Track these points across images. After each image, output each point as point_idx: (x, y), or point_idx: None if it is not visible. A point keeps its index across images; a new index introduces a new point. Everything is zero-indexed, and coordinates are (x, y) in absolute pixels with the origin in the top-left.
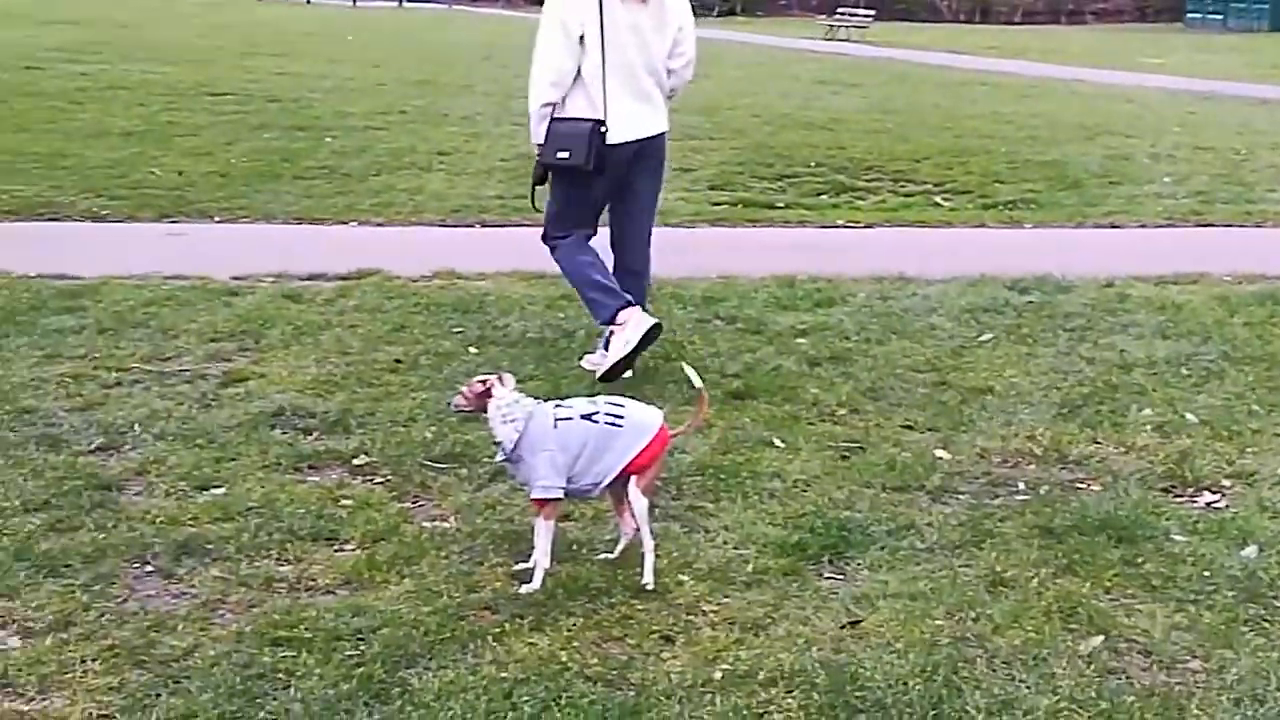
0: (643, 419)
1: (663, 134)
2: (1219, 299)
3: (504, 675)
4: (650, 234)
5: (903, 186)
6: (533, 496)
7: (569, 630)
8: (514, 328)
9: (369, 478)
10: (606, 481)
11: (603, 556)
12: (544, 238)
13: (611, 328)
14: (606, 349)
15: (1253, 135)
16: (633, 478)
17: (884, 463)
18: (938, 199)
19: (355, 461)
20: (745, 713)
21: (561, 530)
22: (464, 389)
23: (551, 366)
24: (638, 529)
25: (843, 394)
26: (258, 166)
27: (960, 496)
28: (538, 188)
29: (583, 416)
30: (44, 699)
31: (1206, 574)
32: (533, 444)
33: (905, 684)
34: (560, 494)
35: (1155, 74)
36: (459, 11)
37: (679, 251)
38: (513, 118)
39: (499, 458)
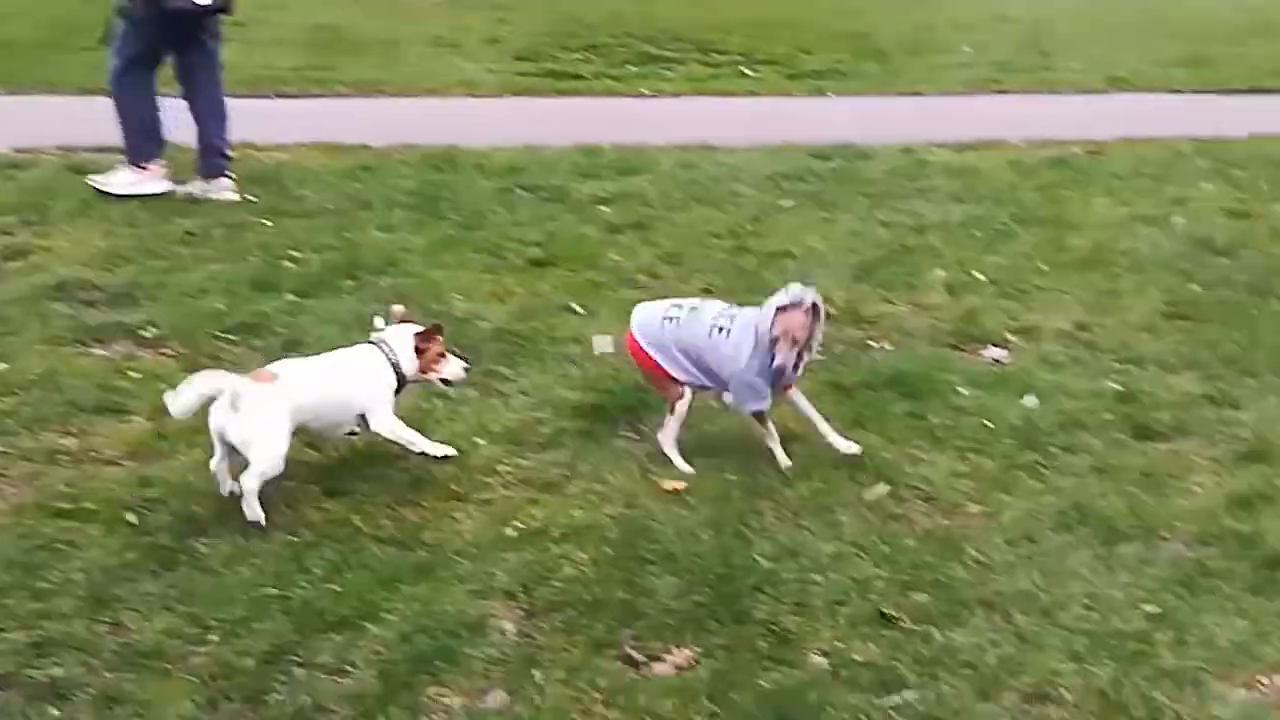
0: None
1: None
2: (1013, 164)
3: (294, 539)
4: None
5: (710, 57)
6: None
7: (362, 495)
8: (310, 199)
9: (157, 349)
10: None
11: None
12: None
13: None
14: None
15: (1052, 5)
16: None
17: None
18: (745, 69)
19: (143, 334)
20: (537, 567)
21: None
22: None
23: (348, 237)
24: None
25: (643, 260)
26: (41, 36)
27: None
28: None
29: None
30: None
31: (988, 424)
32: None
33: (695, 535)
34: None
35: None
36: None
37: (484, 122)
38: None
39: None
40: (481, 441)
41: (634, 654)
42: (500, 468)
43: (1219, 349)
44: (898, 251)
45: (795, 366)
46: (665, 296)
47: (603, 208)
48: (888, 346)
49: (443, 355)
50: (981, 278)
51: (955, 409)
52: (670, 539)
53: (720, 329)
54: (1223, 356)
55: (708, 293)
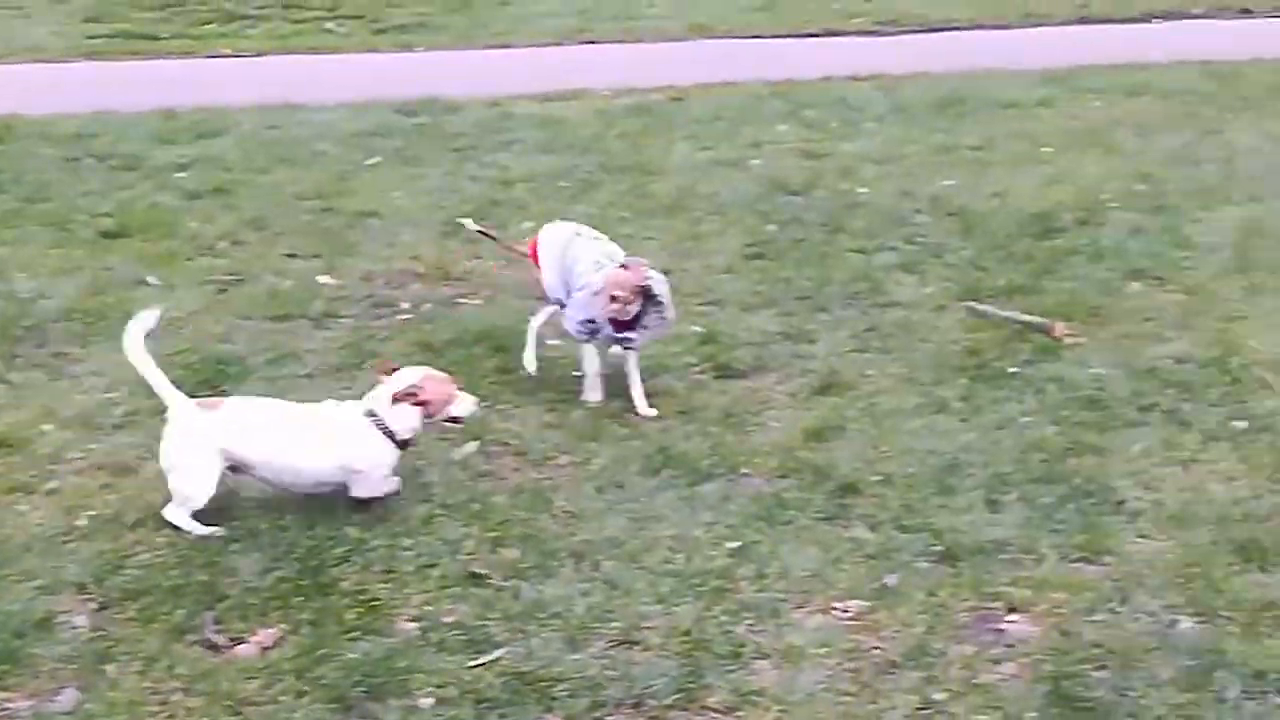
0: None
1: None
2: (598, 113)
3: None
4: None
5: (293, 13)
6: None
7: None
8: None
9: None
10: None
11: None
12: None
13: None
14: None
15: None
16: None
17: (265, 293)
18: (329, 25)
19: None
20: (110, 556)
21: None
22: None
23: None
24: None
25: (224, 226)
26: None
27: (343, 321)
28: None
29: None
30: None
31: (577, 374)
32: None
33: (281, 510)
34: None
35: None
36: None
37: (49, 89)
38: None
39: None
40: (49, 428)
41: (215, 638)
42: (69, 454)
43: (793, 286)
44: (486, 206)
45: (619, 330)
46: (248, 265)
47: (180, 174)
48: (477, 302)
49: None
50: None
51: (545, 361)
52: (254, 515)
53: (601, 266)
54: (797, 293)
55: (293, 257)
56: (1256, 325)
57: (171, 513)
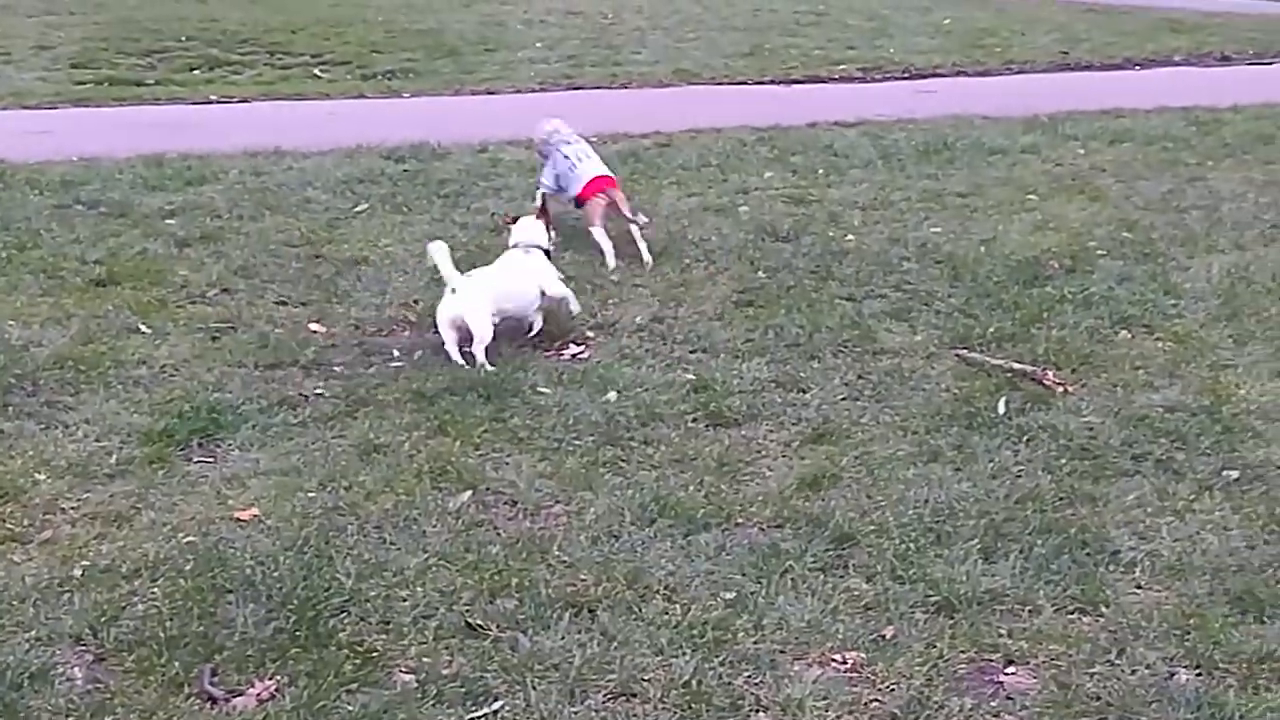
0: None
1: None
2: None
3: None
4: None
5: (279, 59)
6: None
7: None
8: None
9: None
10: None
11: None
12: None
13: None
14: None
15: (619, 1)
16: None
17: (256, 341)
18: (316, 71)
19: None
20: (105, 607)
21: None
22: None
23: None
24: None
25: (214, 274)
26: None
27: (335, 369)
28: None
29: None
30: None
31: (570, 422)
32: None
33: (276, 560)
34: None
35: None
36: None
37: (36, 135)
38: None
39: None
40: (42, 477)
41: (213, 690)
42: (64, 503)
43: (784, 334)
44: (475, 252)
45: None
46: (239, 312)
47: (169, 221)
48: (468, 350)
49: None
50: (559, 276)
51: (537, 409)
52: (249, 566)
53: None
54: (788, 341)
55: (283, 304)
56: (1245, 373)
57: (479, 351)
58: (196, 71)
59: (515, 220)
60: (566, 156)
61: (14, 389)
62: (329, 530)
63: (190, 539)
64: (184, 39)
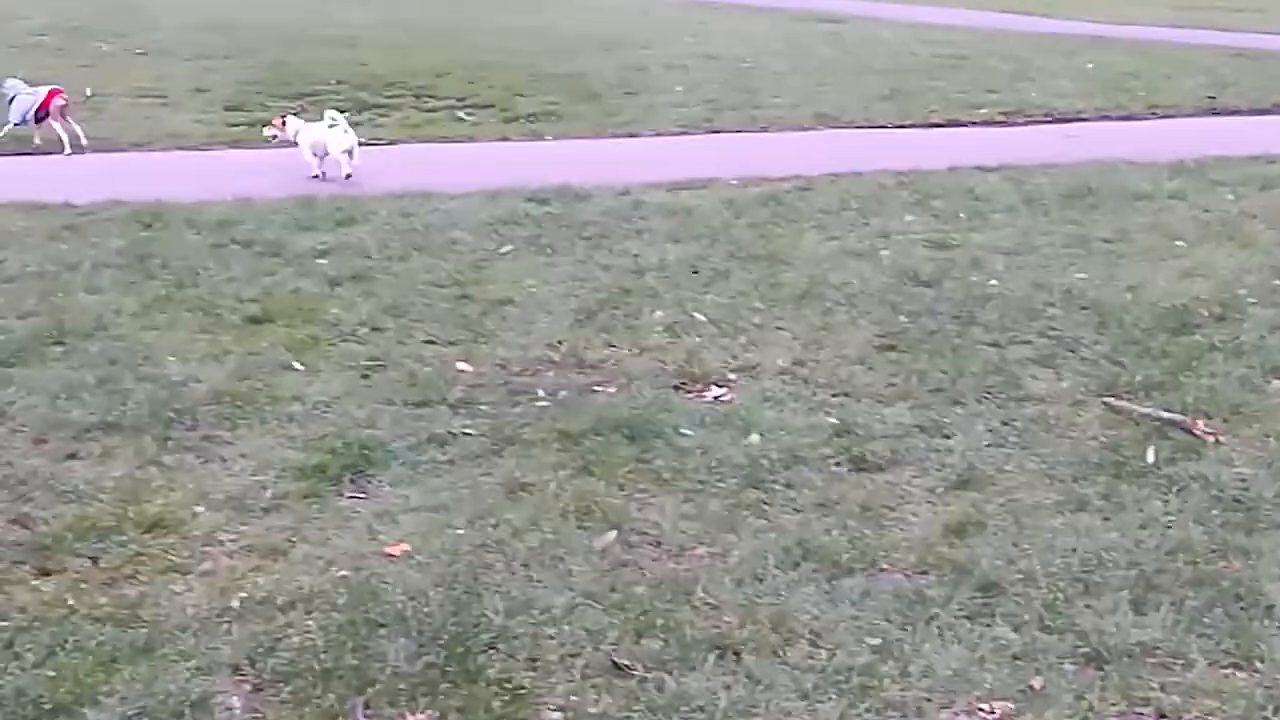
0: None
1: None
2: (726, 202)
3: (3, 624)
4: None
5: (425, 102)
6: None
7: (76, 573)
8: (12, 261)
9: None
10: None
11: None
12: None
13: None
14: None
15: (757, 43)
16: None
17: (405, 379)
18: (461, 114)
19: None
20: (262, 638)
21: (68, 469)
22: None
23: (53, 301)
24: None
25: (364, 313)
26: None
27: (482, 407)
28: None
29: None
30: None
31: (713, 464)
32: None
33: (426, 595)
34: None
35: None
36: None
37: (193, 175)
38: (9, 40)
39: None
40: (201, 509)
41: None
42: (222, 536)
43: (927, 379)
44: (617, 294)
45: None
46: (388, 351)
47: (321, 261)
48: (612, 390)
49: None
50: (701, 317)
51: (680, 450)
52: (400, 600)
53: None
54: (931, 386)
55: (431, 343)
56: None
57: None
58: (346, 114)
59: None
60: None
61: (174, 423)
62: (477, 567)
63: (343, 573)
64: (334, 82)
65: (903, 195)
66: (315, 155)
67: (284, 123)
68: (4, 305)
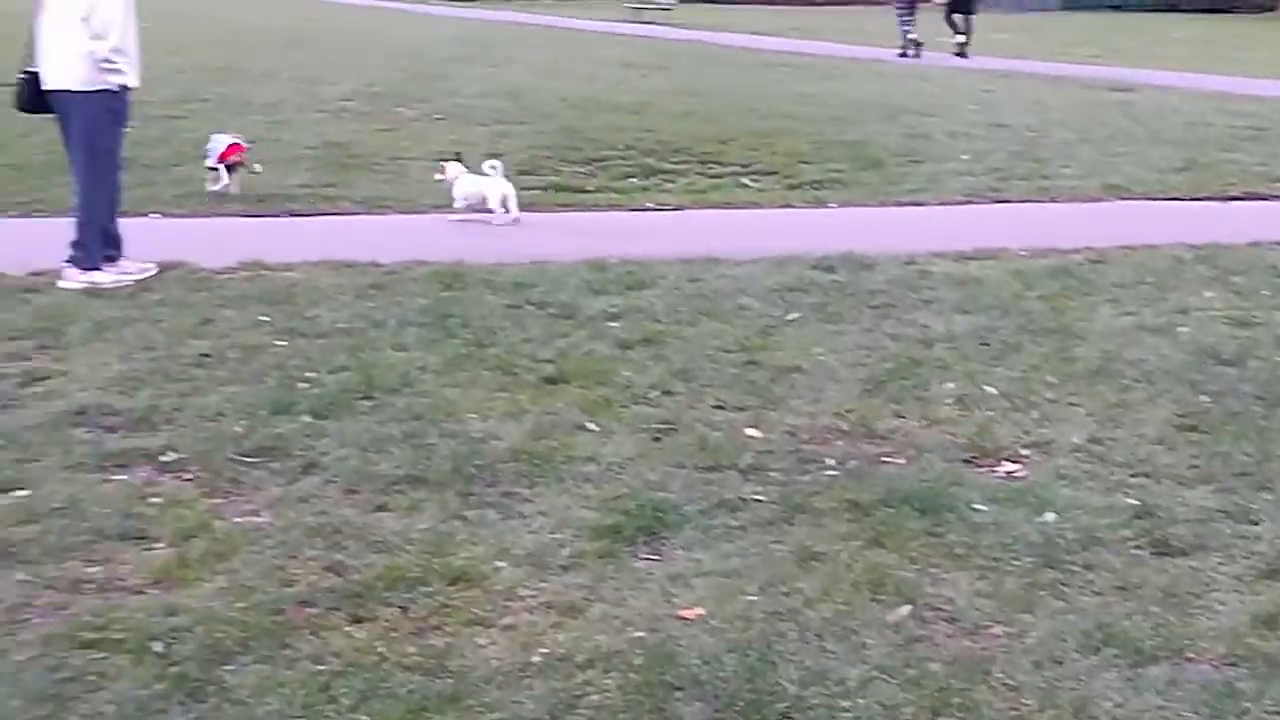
0: None
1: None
2: (1015, 273)
3: (321, 669)
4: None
5: (710, 168)
6: None
7: (386, 621)
8: (324, 318)
9: (177, 474)
10: None
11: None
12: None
13: None
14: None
15: (1044, 112)
16: None
17: (696, 443)
18: (745, 180)
19: (163, 458)
20: (563, 695)
21: (377, 520)
22: None
23: (362, 357)
24: None
25: (655, 376)
26: (53, 159)
27: (771, 474)
28: None
29: None
30: None
31: (1007, 541)
32: None
33: (720, 660)
34: None
35: (949, 53)
36: None
37: (489, 236)
38: (318, 105)
39: None
40: (503, 565)
41: None
42: (522, 591)
43: (1231, 462)
44: (906, 364)
45: None
46: (679, 414)
47: (612, 323)
48: (901, 462)
49: None
50: (992, 390)
51: (973, 526)
52: (695, 664)
53: None
54: (1236, 469)
55: (720, 408)
56: None
57: None
58: (633, 179)
59: None
60: None
61: (475, 478)
62: (770, 635)
63: (639, 634)
64: (621, 148)
65: (1200, 270)
66: (467, 201)
67: (445, 169)
68: (316, 359)
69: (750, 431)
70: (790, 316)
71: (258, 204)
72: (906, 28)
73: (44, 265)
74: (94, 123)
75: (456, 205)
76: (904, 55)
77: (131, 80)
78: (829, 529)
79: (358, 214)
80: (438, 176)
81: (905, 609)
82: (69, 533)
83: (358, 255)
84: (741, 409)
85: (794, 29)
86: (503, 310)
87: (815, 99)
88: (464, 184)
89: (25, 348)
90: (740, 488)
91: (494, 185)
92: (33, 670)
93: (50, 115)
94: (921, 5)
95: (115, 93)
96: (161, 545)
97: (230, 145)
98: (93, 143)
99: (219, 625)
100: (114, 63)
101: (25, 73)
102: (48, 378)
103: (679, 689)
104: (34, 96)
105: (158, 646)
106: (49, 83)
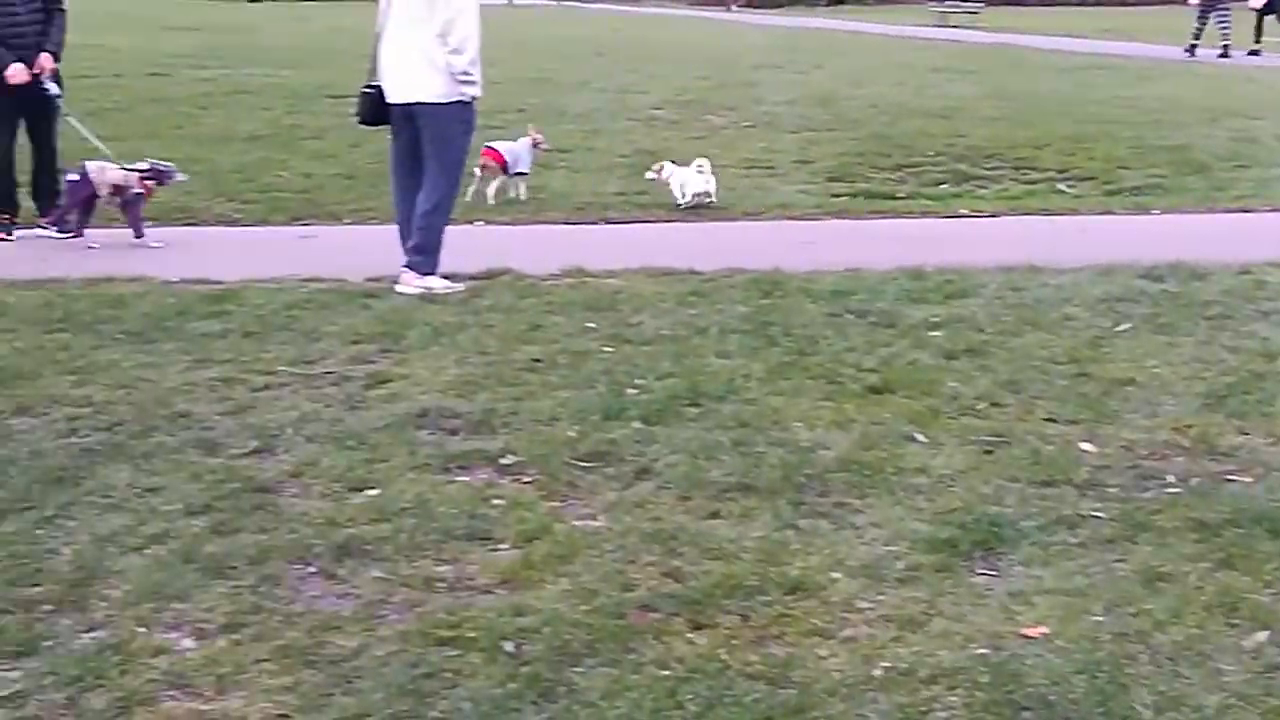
0: None
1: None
2: None
3: (666, 674)
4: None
5: (1025, 174)
6: None
7: (727, 629)
8: (648, 325)
9: (517, 477)
10: None
11: None
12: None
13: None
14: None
15: None
16: None
17: (1029, 456)
18: (1061, 186)
19: (502, 461)
20: (909, 710)
21: (711, 527)
22: None
23: (687, 364)
24: None
25: (981, 387)
26: (382, 168)
27: (1109, 490)
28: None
29: None
30: (222, 699)
31: None
32: None
33: (1069, 681)
34: None
35: (1275, 53)
36: (569, 7)
37: (804, 244)
38: (629, 113)
39: None
40: (838, 576)
41: None
42: (860, 603)
43: None
44: (1247, 378)
45: None
46: (1009, 427)
47: (934, 333)
48: (1248, 480)
49: None
50: None
51: None
52: (1043, 684)
53: None
54: None
55: (1051, 421)
56: None
57: None
58: (945, 185)
59: None
60: None
61: (806, 488)
62: (1119, 657)
63: (982, 650)
64: (932, 154)
65: None
66: (679, 191)
67: (661, 168)
68: (643, 366)
69: (1085, 446)
70: (1120, 327)
71: (575, 211)
72: (1224, 28)
73: (379, 271)
74: (447, 132)
75: (682, 202)
76: (1224, 55)
77: (480, 91)
78: (1174, 549)
79: (670, 221)
80: (650, 175)
81: (1263, 634)
82: (419, 532)
83: (675, 263)
84: (1074, 422)
85: (1106, 30)
86: (823, 318)
87: (1132, 101)
88: (678, 176)
89: (368, 351)
90: (1078, 504)
91: (694, 179)
92: (394, 665)
93: (384, 127)
94: (1234, 5)
95: (467, 104)
96: (506, 546)
97: (485, 149)
98: (444, 152)
99: (566, 627)
100: (470, 75)
101: (369, 87)
102: (390, 380)
103: (1027, 709)
104: (374, 109)
105: (509, 646)
106: (403, 96)
